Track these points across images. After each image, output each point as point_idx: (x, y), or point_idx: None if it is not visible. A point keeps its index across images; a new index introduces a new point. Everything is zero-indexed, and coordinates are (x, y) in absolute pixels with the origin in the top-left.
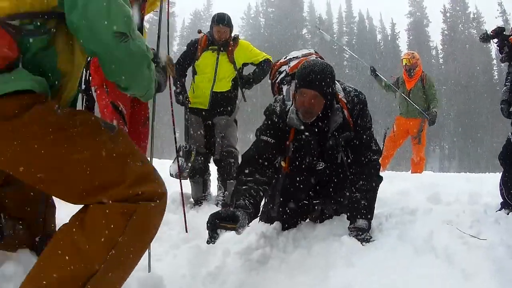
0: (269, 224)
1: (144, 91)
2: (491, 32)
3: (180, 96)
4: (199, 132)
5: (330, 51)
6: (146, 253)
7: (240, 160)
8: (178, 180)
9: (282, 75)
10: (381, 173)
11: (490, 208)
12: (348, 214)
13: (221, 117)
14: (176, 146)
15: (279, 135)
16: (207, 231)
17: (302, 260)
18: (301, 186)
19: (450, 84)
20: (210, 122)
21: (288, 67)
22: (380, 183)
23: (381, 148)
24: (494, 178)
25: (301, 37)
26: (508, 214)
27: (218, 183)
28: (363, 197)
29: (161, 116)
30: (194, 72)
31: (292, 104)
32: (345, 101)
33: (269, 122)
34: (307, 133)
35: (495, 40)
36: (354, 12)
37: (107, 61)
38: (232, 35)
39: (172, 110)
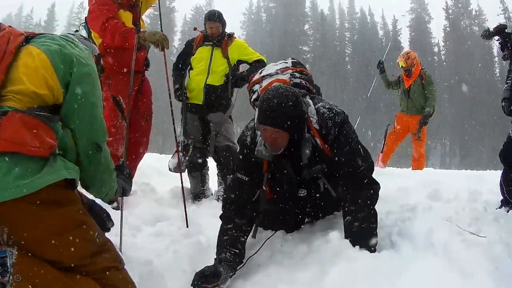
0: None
1: (102, 194)
2: (493, 29)
3: (178, 92)
4: (195, 128)
5: (333, 47)
6: (149, 247)
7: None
8: (178, 174)
9: (255, 95)
10: (382, 169)
11: (490, 205)
12: (348, 239)
13: (216, 113)
14: (176, 141)
15: (253, 169)
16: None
17: (303, 256)
18: (285, 210)
19: (452, 81)
20: (206, 118)
21: (260, 87)
22: (374, 194)
23: (382, 145)
24: (494, 176)
25: (303, 32)
26: (508, 212)
27: (218, 178)
28: (355, 219)
29: (161, 111)
30: (190, 68)
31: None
32: (317, 128)
33: (242, 155)
34: (280, 163)
35: (497, 37)
36: (356, 8)
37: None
38: (227, 32)
39: (171, 103)
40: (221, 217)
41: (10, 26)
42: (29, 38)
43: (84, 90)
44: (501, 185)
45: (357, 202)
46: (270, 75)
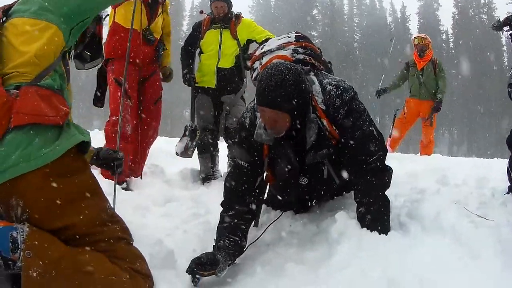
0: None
1: None
2: (503, 19)
3: (187, 77)
4: (208, 110)
5: (341, 33)
6: (159, 226)
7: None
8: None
9: (255, 73)
10: (391, 154)
11: (497, 191)
12: None
13: (228, 95)
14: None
15: (253, 154)
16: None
17: (311, 236)
18: (288, 197)
19: (460, 69)
20: (219, 100)
21: (260, 64)
22: (387, 182)
23: (391, 130)
24: (502, 164)
25: (312, 17)
26: None
27: (228, 160)
28: (367, 211)
29: (170, 96)
30: (200, 52)
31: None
32: (323, 108)
33: (240, 139)
34: (282, 148)
35: (506, 28)
36: None
37: None
38: (234, 12)
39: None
40: (221, 204)
41: None
42: (7, 11)
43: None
44: (508, 172)
45: (370, 193)
46: (270, 51)
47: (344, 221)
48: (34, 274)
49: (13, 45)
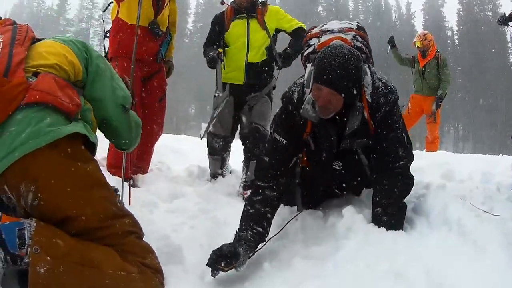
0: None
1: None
2: (509, 14)
3: (211, 54)
4: (227, 116)
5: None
6: (166, 222)
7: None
8: (194, 154)
9: (310, 49)
10: None
11: (502, 186)
12: None
13: (255, 94)
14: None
15: (294, 131)
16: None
17: (318, 231)
18: (320, 182)
19: (465, 65)
20: (243, 100)
21: (318, 41)
22: (409, 189)
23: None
24: (507, 160)
25: (316, 14)
26: None
27: (243, 163)
28: (384, 213)
29: (175, 93)
30: (225, 45)
31: (310, 91)
32: (370, 100)
33: (284, 112)
34: (325, 128)
35: (511, 23)
36: None
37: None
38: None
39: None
40: (252, 183)
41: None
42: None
43: (102, 64)
44: None
45: (391, 196)
46: (331, 31)
47: (351, 216)
48: (42, 270)
49: (38, 51)
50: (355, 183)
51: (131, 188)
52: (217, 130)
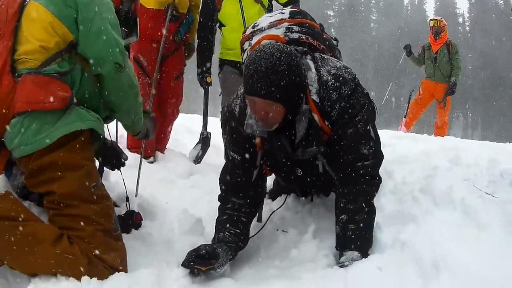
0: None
1: (130, 121)
2: None
3: (200, 76)
4: (236, 84)
5: (359, 13)
6: (184, 197)
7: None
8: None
9: (245, 55)
10: (405, 135)
11: (507, 173)
12: (336, 244)
13: None
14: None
15: (245, 146)
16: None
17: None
18: (284, 187)
19: (476, 52)
20: None
21: (249, 45)
22: (376, 189)
23: (406, 110)
24: None
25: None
26: None
27: None
28: (351, 221)
29: (186, 72)
30: (221, 25)
31: None
32: (317, 100)
33: (229, 129)
34: (276, 139)
35: None
36: None
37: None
38: None
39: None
40: (218, 199)
41: None
42: None
43: (88, 16)
44: None
45: (356, 200)
46: (261, 29)
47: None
48: None
49: (23, 31)
50: (320, 187)
51: (150, 164)
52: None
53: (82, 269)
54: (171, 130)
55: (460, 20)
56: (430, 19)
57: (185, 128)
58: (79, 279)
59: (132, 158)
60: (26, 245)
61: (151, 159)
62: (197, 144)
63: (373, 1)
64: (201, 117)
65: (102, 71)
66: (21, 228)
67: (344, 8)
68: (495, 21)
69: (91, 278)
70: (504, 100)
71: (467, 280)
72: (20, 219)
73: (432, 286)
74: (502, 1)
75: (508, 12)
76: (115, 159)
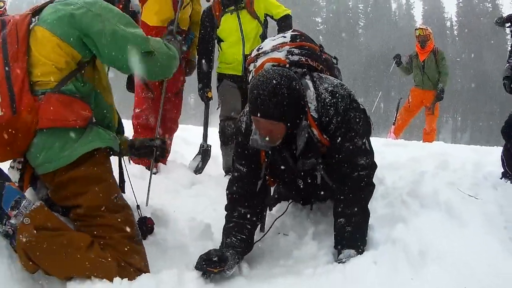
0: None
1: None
2: (506, 16)
3: (200, 92)
4: (235, 97)
5: (346, 19)
6: (190, 206)
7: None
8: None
9: (250, 76)
10: (395, 141)
11: (491, 176)
12: (334, 243)
13: None
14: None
15: (251, 159)
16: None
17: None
18: (286, 196)
19: (464, 56)
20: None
21: (254, 67)
22: (370, 194)
23: (395, 117)
24: (500, 151)
25: (316, 3)
26: (506, 182)
27: None
28: (348, 223)
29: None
30: (219, 40)
31: None
32: (316, 116)
33: (237, 144)
34: (279, 152)
35: (508, 24)
36: None
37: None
38: None
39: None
40: (225, 208)
41: (11, 15)
42: (36, 13)
43: (98, 28)
44: (502, 158)
45: (353, 205)
46: (265, 52)
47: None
48: (24, 240)
49: (33, 53)
50: (321, 194)
51: (153, 175)
52: (227, 112)
53: (113, 271)
54: (171, 143)
55: (448, 24)
56: (416, 29)
57: (182, 139)
58: (111, 280)
59: (138, 169)
60: (65, 251)
61: (154, 170)
62: (196, 155)
63: (361, 7)
64: (195, 127)
65: (141, 65)
66: (59, 237)
67: (332, 15)
68: (483, 24)
69: (122, 279)
70: (493, 103)
71: (451, 266)
72: (57, 228)
73: (421, 273)
74: (490, 5)
75: (496, 15)
76: (149, 149)
